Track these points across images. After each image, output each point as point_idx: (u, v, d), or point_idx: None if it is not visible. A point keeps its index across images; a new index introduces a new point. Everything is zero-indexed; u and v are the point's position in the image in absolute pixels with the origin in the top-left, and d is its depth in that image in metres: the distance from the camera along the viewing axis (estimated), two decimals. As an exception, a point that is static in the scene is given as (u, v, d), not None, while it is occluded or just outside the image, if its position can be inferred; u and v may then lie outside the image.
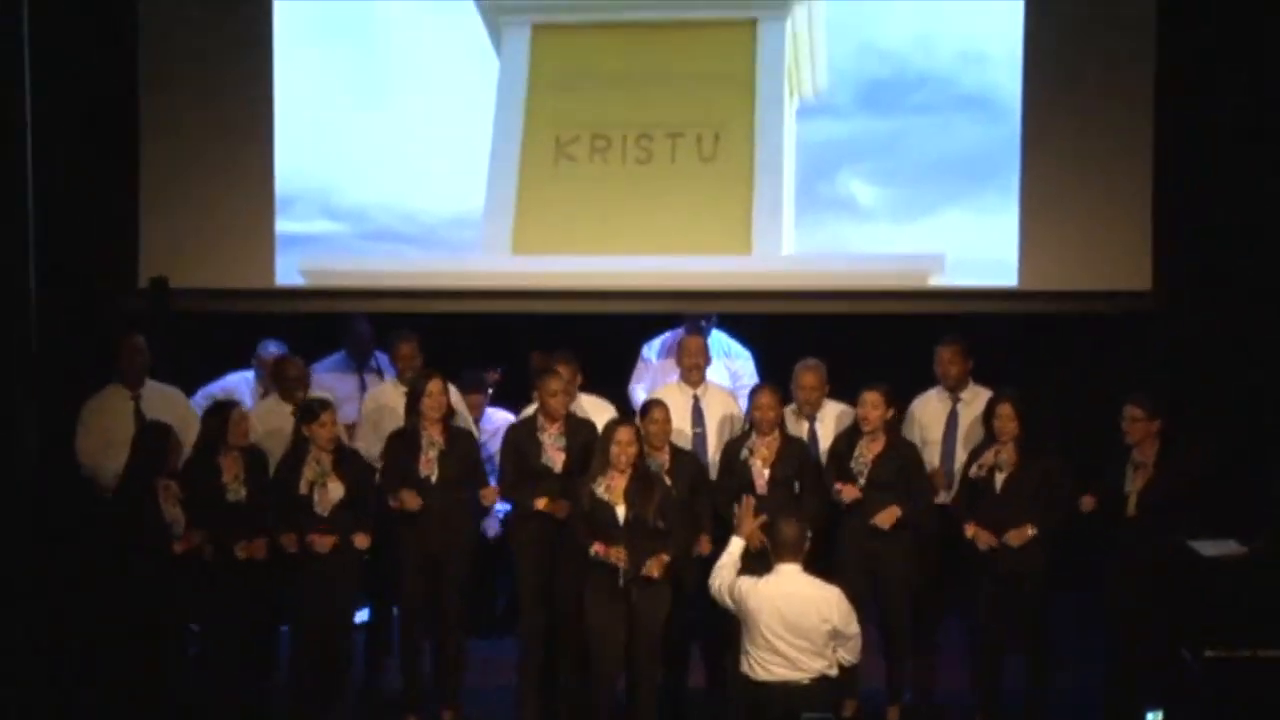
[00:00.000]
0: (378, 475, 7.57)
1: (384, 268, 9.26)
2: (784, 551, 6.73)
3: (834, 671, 6.71)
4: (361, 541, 7.32)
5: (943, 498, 7.67)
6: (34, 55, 7.64)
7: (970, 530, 7.37)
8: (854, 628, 6.70)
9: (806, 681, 6.62)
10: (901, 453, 7.51)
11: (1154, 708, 6.37)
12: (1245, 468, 7.92)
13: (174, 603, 7.19)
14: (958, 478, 7.64)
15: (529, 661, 7.56)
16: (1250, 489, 7.76)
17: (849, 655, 6.78)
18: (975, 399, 7.74)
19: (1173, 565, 7.24)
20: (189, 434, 7.55)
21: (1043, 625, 7.44)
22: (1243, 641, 6.96)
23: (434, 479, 7.41)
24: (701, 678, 7.73)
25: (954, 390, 7.84)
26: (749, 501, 7.08)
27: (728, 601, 6.78)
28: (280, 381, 7.96)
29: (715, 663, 7.65)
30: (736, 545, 6.90)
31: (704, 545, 7.29)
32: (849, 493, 7.39)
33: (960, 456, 7.68)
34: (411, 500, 7.32)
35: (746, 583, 6.74)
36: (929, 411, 7.86)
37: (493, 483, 7.66)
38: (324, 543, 7.23)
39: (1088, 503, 7.39)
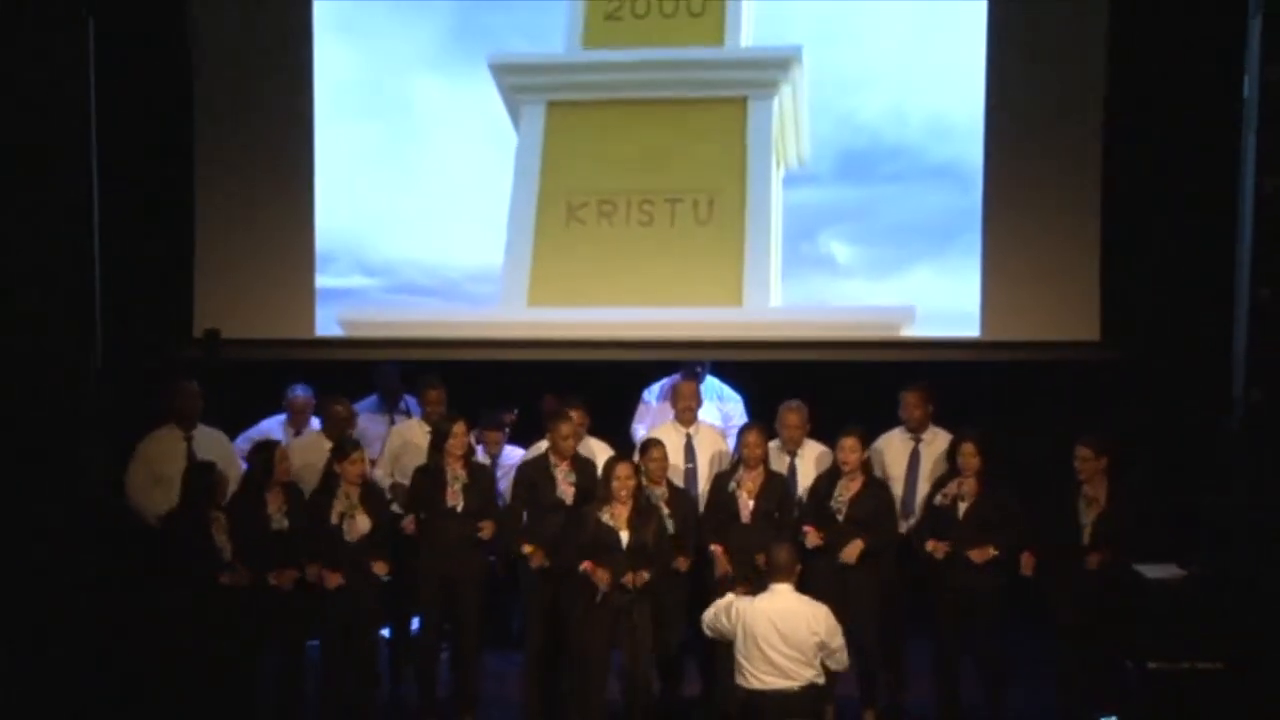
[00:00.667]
0: (393, 504, 7.67)
1: (412, 319, 9.28)
2: (777, 572, 6.81)
3: (821, 679, 6.77)
4: (380, 569, 7.38)
5: (903, 528, 7.70)
6: (100, 135, 7.75)
7: (931, 545, 7.43)
8: (839, 640, 6.77)
9: (797, 689, 6.68)
10: (876, 492, 7.58)
11: (1106, 715, 6.36)
12: (1183, 499, 7.96)
13: (220, 620, 7.23)
14: (919, 508, 7.70)
15: (532, 673, 7.61)
16: (1188, 518, 7.83)
17: (836, 665, 6.84)
18: (935, 439, 7.81)
19: (1119, 586, 7.29)
20: (233, 472, 7.67)
21: (996, 638, 7.47)
22: (1182, 655, 7.01)
23: (459, 509, 7.49)
24: (696, 688, 7.77)
25: (915, 431, 7.90)
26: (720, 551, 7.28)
27: (724, 622, 6.83)
28: (328, 418, 8.05)
29: (709, 674, 7.68)
30: (730, 598, 6.92)
31: (681, 564, 7.38)
32: (812, 538, 7.43)
33: (922, 491, 7.75)
34: (410, 525, 7.45)
35: (743, 601, 6.81)
36: (892, 450, 7.91)
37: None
38: (334, 579, 7.28)
39: (1027, 562, 7.40)
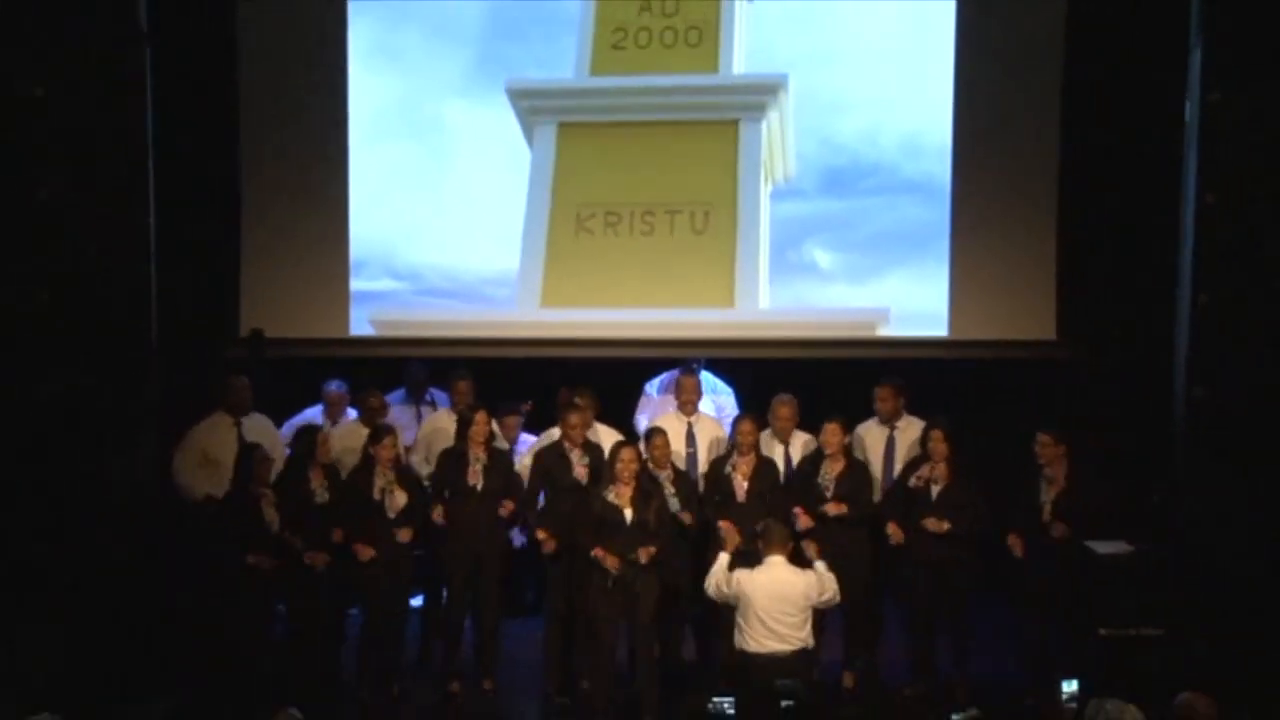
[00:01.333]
0: (427, 484, 7.67)
1: (437, 319, 9.33)
2: (772, 546, 6.87)
3: (811, 644, 6.84)
4: (405, 536, 7.40)
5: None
6: (156, 152, 7.79)
7: (890, 528, 7.46)
8: (828, 593, 6.87)
9: (789, 653, 6.74)
10: (857, 471, 7.59)
11: (1069, 678, 6.32)
12: (1131, 483, 7.98)
13: (268, 587, 7.28)
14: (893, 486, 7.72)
15: (551, 639, 7.62)
16: (1135, 500, 7.85)
17: (831, 598, 6.93)
18: (909, 427, 7.79)
19: (1074, 561, 7.31)
20: (277, 455, 7.67)
21: (965, 608, 7.49)
22: (1129, 622, 7.09)
23: (479, 488, 7.51)
24: (694, 651, 7.78)
25: (890, 420, 7.88)
26: (729, 525, 7.27)
27: (725, 593, 6.87)
28: (364, 409, 8.09)
29: (705, 639, 7.70)
30: (724, 558, 7.00)
31: (686, 517, 7.38)
32: (804, 521, 7.43)
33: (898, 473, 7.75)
34: (438, 515, 7.42)
35: (742, 573, 6.86)
36: (871, 437, 7.88)
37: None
38: (406, 535, 7.35)
39: (1015, 544, 7.37)
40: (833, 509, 7.43)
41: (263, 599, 7.29)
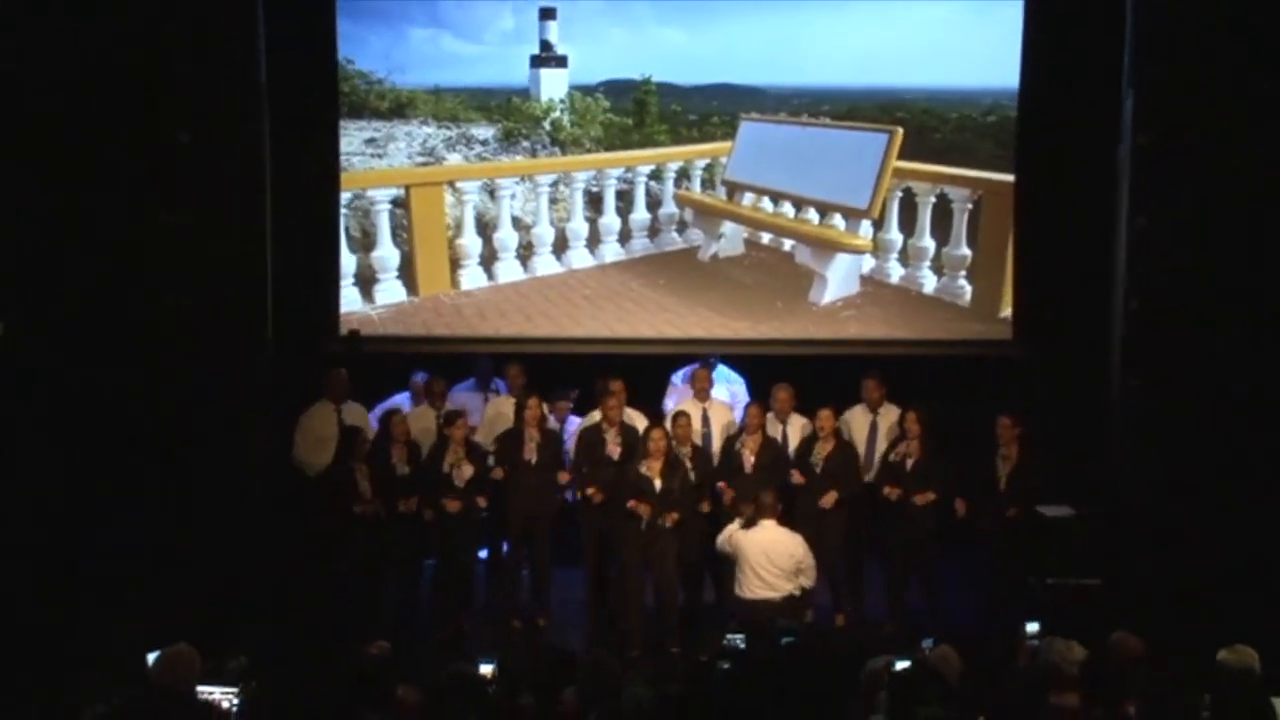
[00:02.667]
0: (491, 458, 7.76)
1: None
2: (765, 511, 7.02)
3: (799, 592, 6.97)
4: (482, 502, 7.58)
5: (866, 478, 7.82)
6: (273, 189, 7.99)
7: (886, 490, 7.57)
8: (811, 560, 6.96)
9: (778, 599, 6.88)
10: (844, 451, 7.69)
11: (1031, 621, 6.23)
12: (1074, 457, 8.01)
13: (361, 544, 7.44)
14: (877, 463, 7.83)
15: (593, 585, 7.75)
16: (1077, 472, 7.88)
17: (807, 581, 7.04)
18: (889, 414, 7.90)
19: (1027, 523, 7.43)
20: (369, 435, 7.77)
21: (935, 562, 7.61)
22: (1070, 573, 7.19)
23: (533, 462, 7.66)
24: (712, 596, 7.83)
25: (875, 408, 7.98)
26: (725, 485, 7.41)
27: (728, 549, 7.04)
28: (430, 395, 8.21)
29: (720, 586, 7.72)
30: (737, 523, 7.14)
31: (704, 506, 7.53)
32: (797, 478, 7.59)
33: (879, 451, 7.84)
34: (498, 473, 7.59)
35: (740, 533, 7.01)
36: (856, 422, 7.98)
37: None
38: (454, 505, 7.51)
39: (960, 507, 7.46)
40: (828, 501, 7.52)
41: (360, 553, 7.42)
